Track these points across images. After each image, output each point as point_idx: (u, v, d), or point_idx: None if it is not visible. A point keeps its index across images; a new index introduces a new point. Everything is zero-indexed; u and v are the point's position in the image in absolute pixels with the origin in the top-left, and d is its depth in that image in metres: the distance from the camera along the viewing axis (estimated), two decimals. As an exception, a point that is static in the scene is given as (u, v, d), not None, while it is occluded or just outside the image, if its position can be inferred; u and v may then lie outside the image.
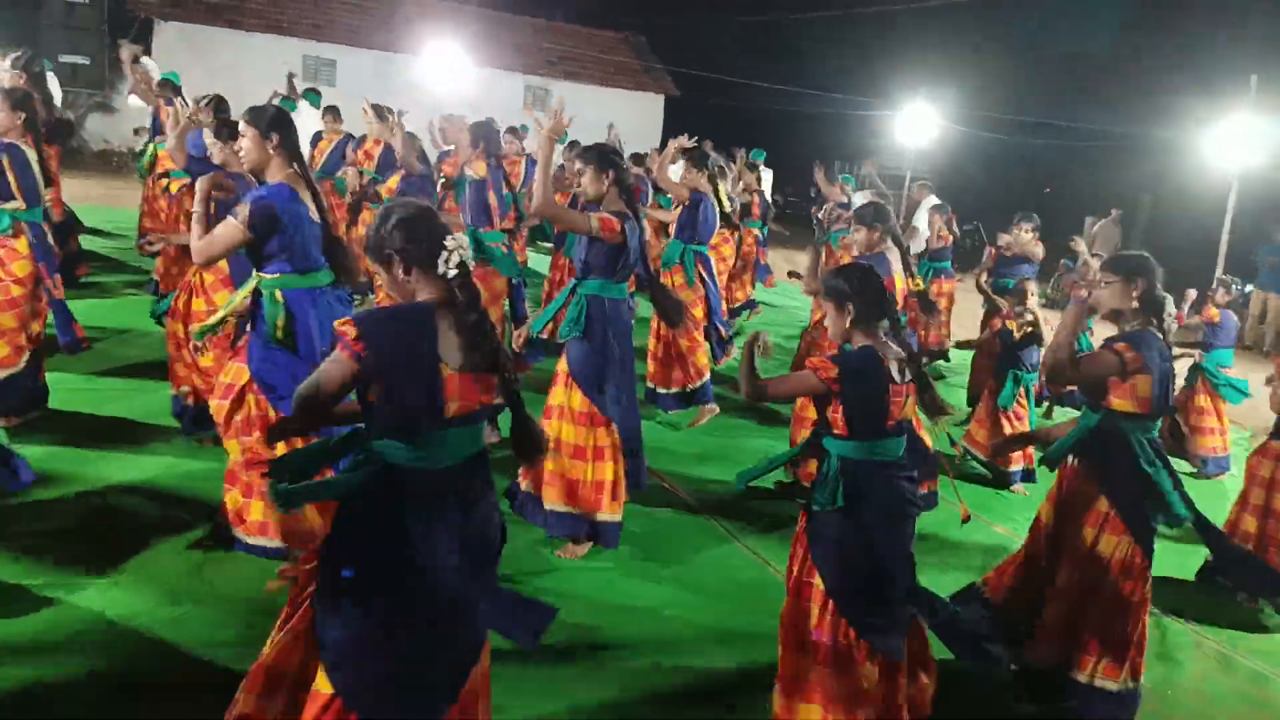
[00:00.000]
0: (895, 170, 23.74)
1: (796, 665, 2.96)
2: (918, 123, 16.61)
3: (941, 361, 9.37)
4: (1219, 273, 14.71)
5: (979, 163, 24.27)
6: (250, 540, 3.78)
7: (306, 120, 9.91)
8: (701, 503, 5.24)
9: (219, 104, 5.82)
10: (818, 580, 2.93)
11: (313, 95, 11.49)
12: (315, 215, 3.77)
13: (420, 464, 2.34)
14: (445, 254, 2.38)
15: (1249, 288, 13.36)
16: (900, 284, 4.95)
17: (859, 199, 10.79)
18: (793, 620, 3.00)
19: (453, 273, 2.39)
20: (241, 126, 3.81)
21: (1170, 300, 3.53)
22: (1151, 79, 22.17)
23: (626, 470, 4.38)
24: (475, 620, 2.41)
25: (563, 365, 4.40)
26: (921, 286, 5.02)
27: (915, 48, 26.97)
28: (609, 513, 4.32)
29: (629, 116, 25.46)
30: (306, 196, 3.75)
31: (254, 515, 3.77)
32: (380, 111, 8.43)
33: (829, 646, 2.89)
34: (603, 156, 4.37)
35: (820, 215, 10.59)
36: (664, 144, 26.59)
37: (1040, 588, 3.59)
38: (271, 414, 3.67)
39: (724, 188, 6.93)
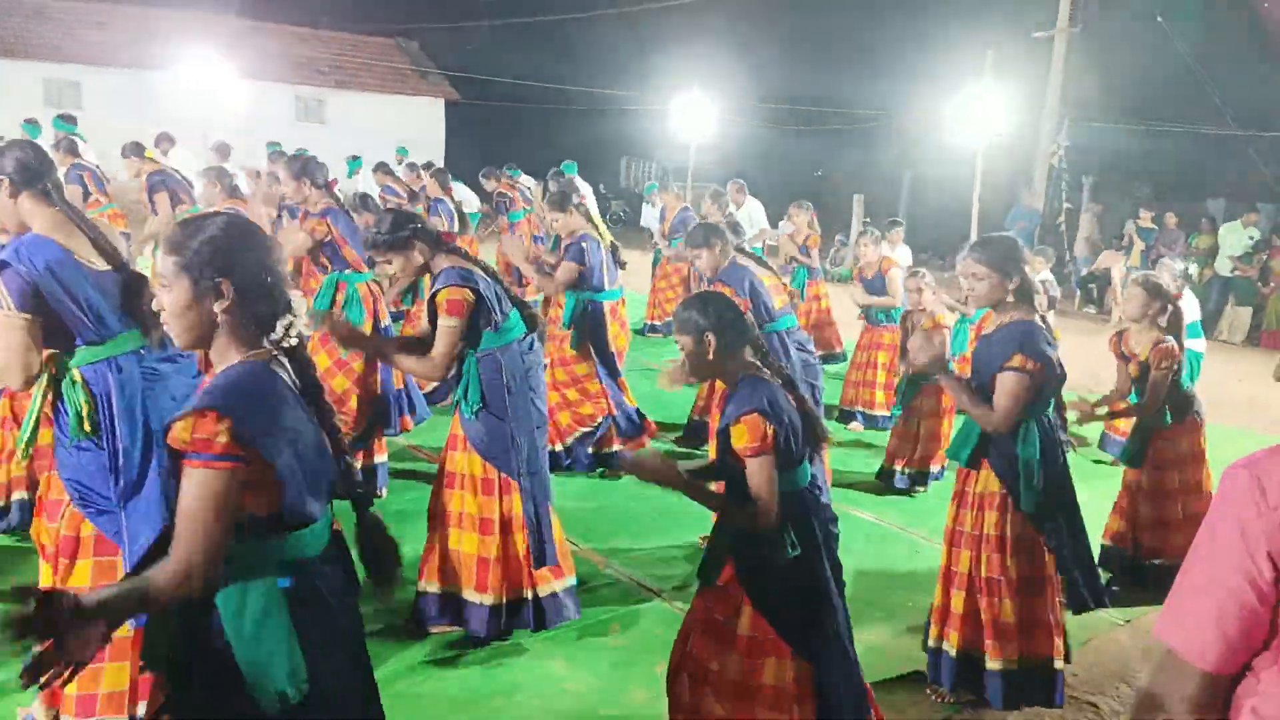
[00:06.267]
0: (679, 164, 24.37)
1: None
2: (693, 116, 17.08)
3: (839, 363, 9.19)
4: (974, 235, 16.01)
5: (753, 153, 25.25)
6: None
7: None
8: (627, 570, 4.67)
9: None
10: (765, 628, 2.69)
11: (30, 127, 10.69)
12: (100, 263, 2.96)
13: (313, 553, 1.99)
14: (286, 320, 1.99)
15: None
16: (770, 280, 4.74)
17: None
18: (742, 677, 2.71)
19: (290, 342, 2.01)
20: None
21: (1036, 283, 3.55)
22: (901, 57, 23.72)
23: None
24: None
25: (457, 428, 3.88)
26: (790, 288, 4.83)
27: (686, 42, 27.77)
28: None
29: (409, 123, 24.99)
30: (79, 242, 2.96)
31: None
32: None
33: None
34: (396, 239, 3.74)
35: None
36: (448, 149, 25.80)
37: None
38: (84, 531, 2.94)
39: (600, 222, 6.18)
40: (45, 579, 3.06)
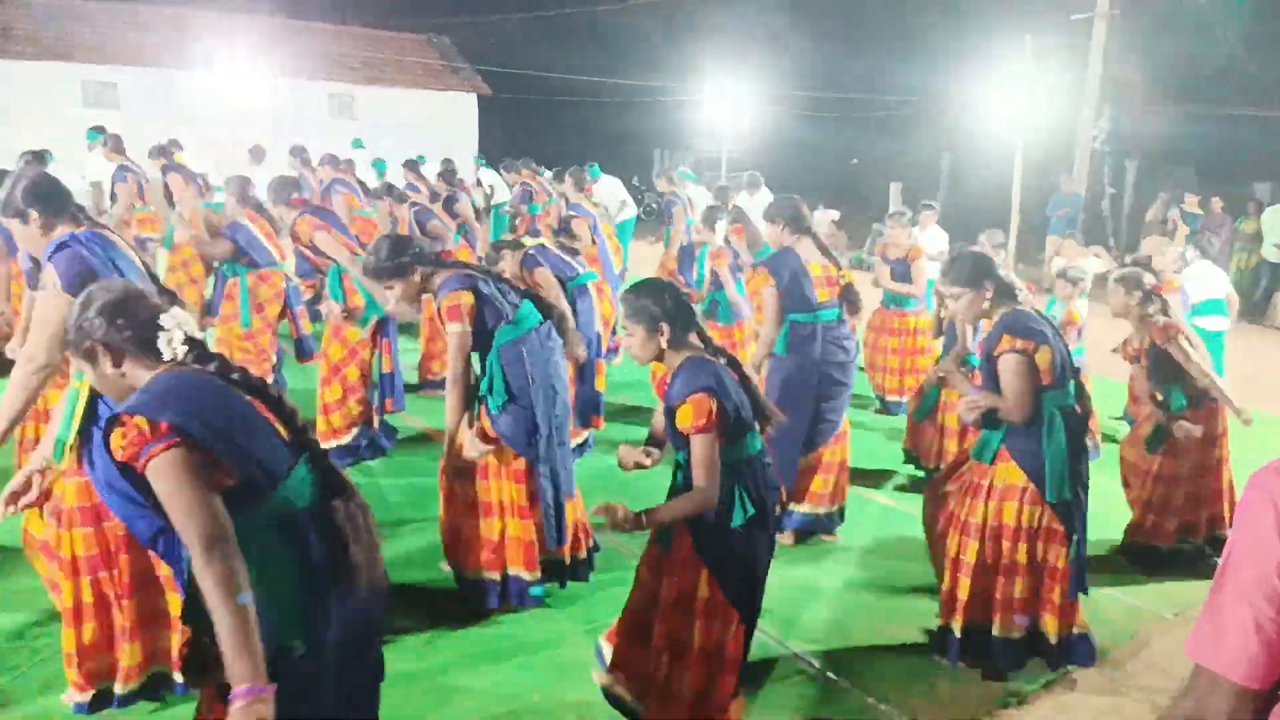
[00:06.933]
0: (713, 154, 24.21)
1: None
2: (727, 106, 17.00)
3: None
4: (1014, 221, 15.79)
5: (788, 142, 25.07)
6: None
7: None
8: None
9: None
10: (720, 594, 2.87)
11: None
12: (140, 265, 2.99)
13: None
14: (165, 335, 2.10)
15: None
16: (818, 271, 4.71)
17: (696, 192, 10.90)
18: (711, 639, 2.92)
19: (180, 351, 2.12)
20: None
21: (1015, 279, 3.68)
22: (939, 43, 23.44)
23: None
24: None
25: (485, 422, 3.94)
26: (849, 277, 4.83)
27: (719, 32, 27.65)
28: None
29: (442, 118, 25.08)
30: (120, 242, 3.03)
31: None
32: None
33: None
34: (396, 266, 3.85)
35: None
36: (482, 144, 25.87)
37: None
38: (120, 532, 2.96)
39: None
40: (68, 598, 3.03)
